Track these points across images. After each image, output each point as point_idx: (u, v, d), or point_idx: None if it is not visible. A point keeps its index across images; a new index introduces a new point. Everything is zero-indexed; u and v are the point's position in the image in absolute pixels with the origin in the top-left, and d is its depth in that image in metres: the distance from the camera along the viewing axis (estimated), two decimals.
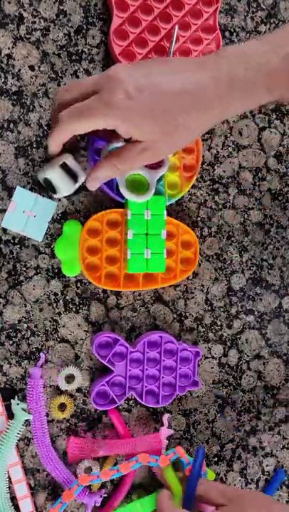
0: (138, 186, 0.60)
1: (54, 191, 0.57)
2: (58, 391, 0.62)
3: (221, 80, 0.49)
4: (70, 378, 0.62)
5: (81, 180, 0.57)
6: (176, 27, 0.60)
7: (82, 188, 0.63)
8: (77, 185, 0.57)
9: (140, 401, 0.62)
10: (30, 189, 0.60)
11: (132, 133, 0.49)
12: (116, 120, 0.48)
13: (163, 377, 0.63)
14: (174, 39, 0.60)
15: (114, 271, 0.61)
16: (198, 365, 0.65)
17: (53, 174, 0.55)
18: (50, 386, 0.62)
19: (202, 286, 0.66)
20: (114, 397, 0.61)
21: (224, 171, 0.66)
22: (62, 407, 0.62)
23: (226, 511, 0.51)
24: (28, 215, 0.59)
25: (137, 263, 0.60)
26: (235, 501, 0.52)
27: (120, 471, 0.58)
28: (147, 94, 0.48)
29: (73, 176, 0.56)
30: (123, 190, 0.59)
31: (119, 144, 0.53)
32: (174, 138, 0.50)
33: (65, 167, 0.55)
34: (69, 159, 0.55)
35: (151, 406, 0.63)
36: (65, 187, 0.56)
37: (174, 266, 0.63)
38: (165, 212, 0.61)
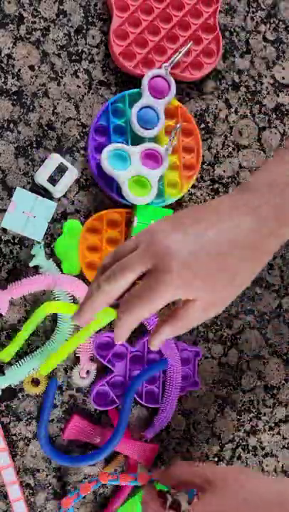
0: (140, 188, 0.60)
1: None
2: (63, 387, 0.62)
3: (266, 219, 0.46)
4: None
5: (73, 175, 0.60)
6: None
7: (82, 187, 0.63)
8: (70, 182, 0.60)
9: (140, 401, 0.62)
10: (30, 189, 0.60)
11: (191, 296, 0.46)
12: (177, 294, 0.45)
13: (163, 377, 0.63)
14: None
15: None
16: (198, 365, 0.65)
17: None
18: None
19: None
20: (114, 397, 0.61)
21: (224, 171, 0.66)
22: (36, 382, 0.61)
23: (209, 499, 0.49)
24: (28, 215, 0.59)
25: None
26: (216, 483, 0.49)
27: (119, 481, 0.59)
28: (202, 259, 0.45)
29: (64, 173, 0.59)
30: (126, 194, 0.59)
31: None
32: (232, 293, 0.48)
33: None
34: (57, 158, 0.59)
35: (151, 406, 0.63)
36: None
37: None
38: None
